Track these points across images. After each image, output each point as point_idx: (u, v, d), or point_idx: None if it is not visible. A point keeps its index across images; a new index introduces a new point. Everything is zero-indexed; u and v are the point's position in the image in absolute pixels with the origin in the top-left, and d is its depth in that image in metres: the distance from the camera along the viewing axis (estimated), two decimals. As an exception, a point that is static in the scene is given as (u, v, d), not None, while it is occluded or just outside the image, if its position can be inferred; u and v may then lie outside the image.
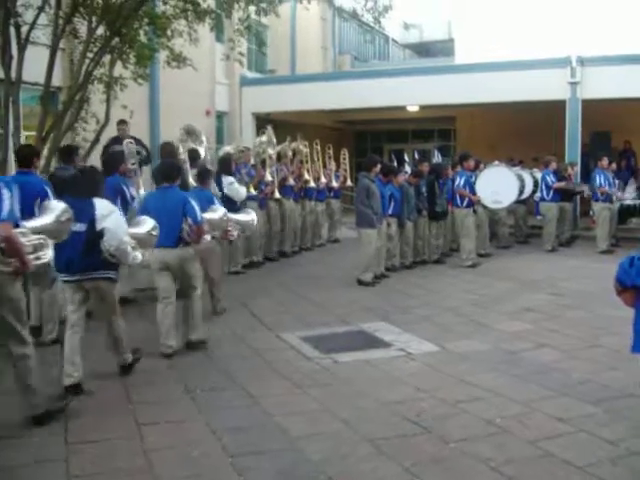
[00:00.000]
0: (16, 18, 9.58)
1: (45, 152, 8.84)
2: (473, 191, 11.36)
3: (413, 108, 20.23)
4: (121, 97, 11.57)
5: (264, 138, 14.18)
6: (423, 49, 30.94)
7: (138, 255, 5.52)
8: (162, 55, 11.98)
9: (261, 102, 19.94)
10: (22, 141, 8.97)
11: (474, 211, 11.47)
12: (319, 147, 14.54)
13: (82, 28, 10.38)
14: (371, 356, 6.47)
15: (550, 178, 13.02)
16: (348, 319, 7.94)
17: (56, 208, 4.75)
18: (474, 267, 11.26)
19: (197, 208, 6.42)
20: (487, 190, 11.37)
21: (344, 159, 14.55)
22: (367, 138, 24.90)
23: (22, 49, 9.73)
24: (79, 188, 5.43)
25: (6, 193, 4.17)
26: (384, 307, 8.54)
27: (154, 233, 5.69)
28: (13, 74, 9.68)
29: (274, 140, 13.46)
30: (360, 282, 9.76)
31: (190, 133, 10.52)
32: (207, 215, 6.76)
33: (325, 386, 5.57)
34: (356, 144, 24.05)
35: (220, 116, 19.92)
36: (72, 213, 4.78)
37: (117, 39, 10.46)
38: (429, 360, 6.30)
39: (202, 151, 10.41)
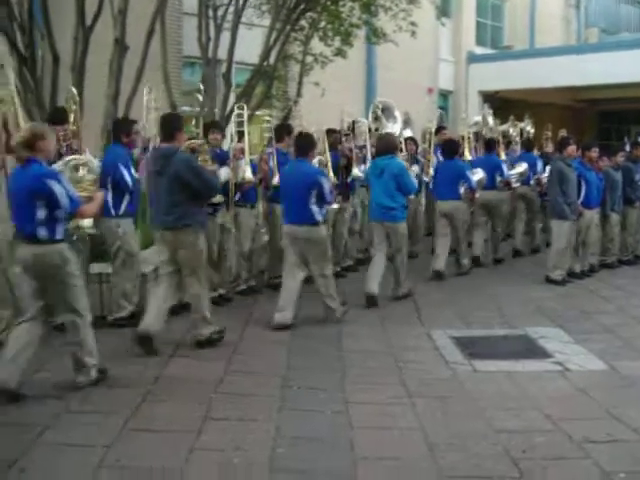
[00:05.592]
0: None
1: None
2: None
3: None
4: (335, 75, 11.46)
5: (477, 118, 13.27)
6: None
7: None
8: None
9: (490, 80, 18.74)
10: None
11: None
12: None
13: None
14: (519, 368, 5.56)
15: None
16: (516, 320, 6.99)
17: None
18: (701, 271, 9.43)
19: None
20: None
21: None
22: (611, 119, 22.32)
23: (219, 30, 10.01)
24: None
25: None
26: (565, 310, 7.40)
27: None
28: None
29: (490, 121, 12.49)
30: (548, 280, 8.60)
31: (384, 109, 10.08)
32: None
33: (441, 399, 4.83)
34: (600, 125, 21.73)
35: (444, 95, 19.10)
36: None
37: (311, 14, 10.37)
38: (585, 381, 5.23)
39: (397, 129, 9.91)
